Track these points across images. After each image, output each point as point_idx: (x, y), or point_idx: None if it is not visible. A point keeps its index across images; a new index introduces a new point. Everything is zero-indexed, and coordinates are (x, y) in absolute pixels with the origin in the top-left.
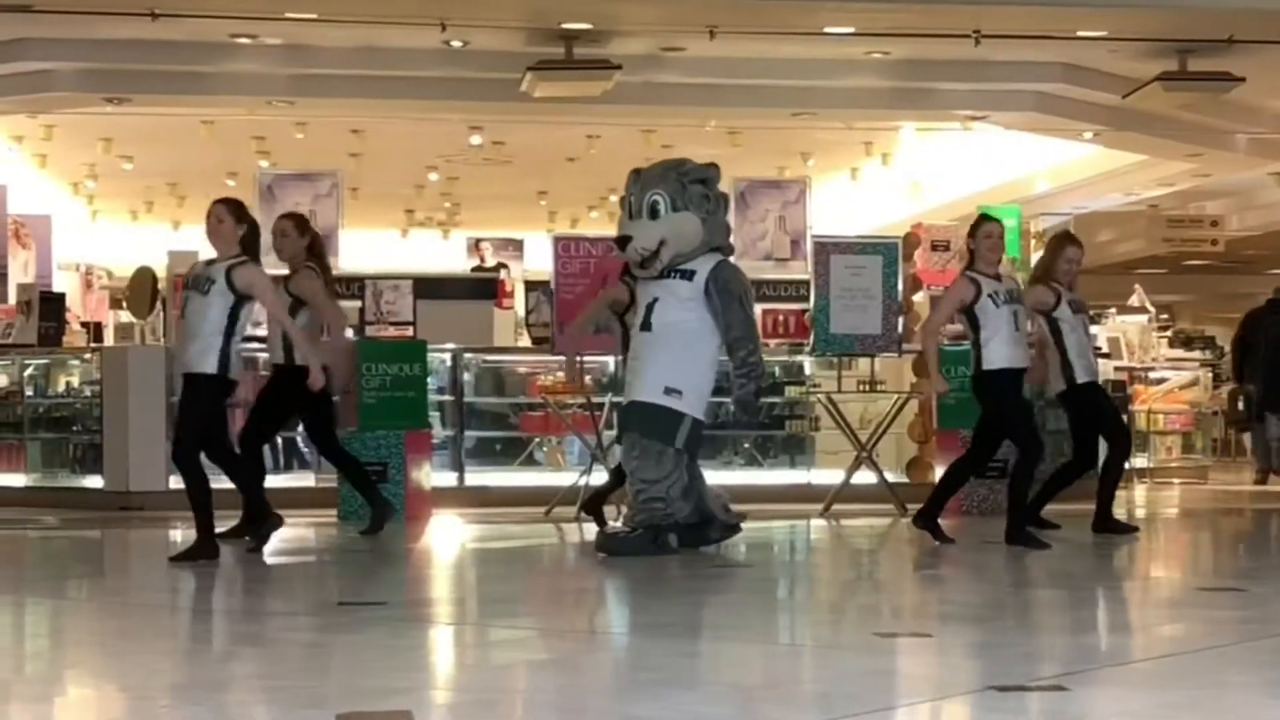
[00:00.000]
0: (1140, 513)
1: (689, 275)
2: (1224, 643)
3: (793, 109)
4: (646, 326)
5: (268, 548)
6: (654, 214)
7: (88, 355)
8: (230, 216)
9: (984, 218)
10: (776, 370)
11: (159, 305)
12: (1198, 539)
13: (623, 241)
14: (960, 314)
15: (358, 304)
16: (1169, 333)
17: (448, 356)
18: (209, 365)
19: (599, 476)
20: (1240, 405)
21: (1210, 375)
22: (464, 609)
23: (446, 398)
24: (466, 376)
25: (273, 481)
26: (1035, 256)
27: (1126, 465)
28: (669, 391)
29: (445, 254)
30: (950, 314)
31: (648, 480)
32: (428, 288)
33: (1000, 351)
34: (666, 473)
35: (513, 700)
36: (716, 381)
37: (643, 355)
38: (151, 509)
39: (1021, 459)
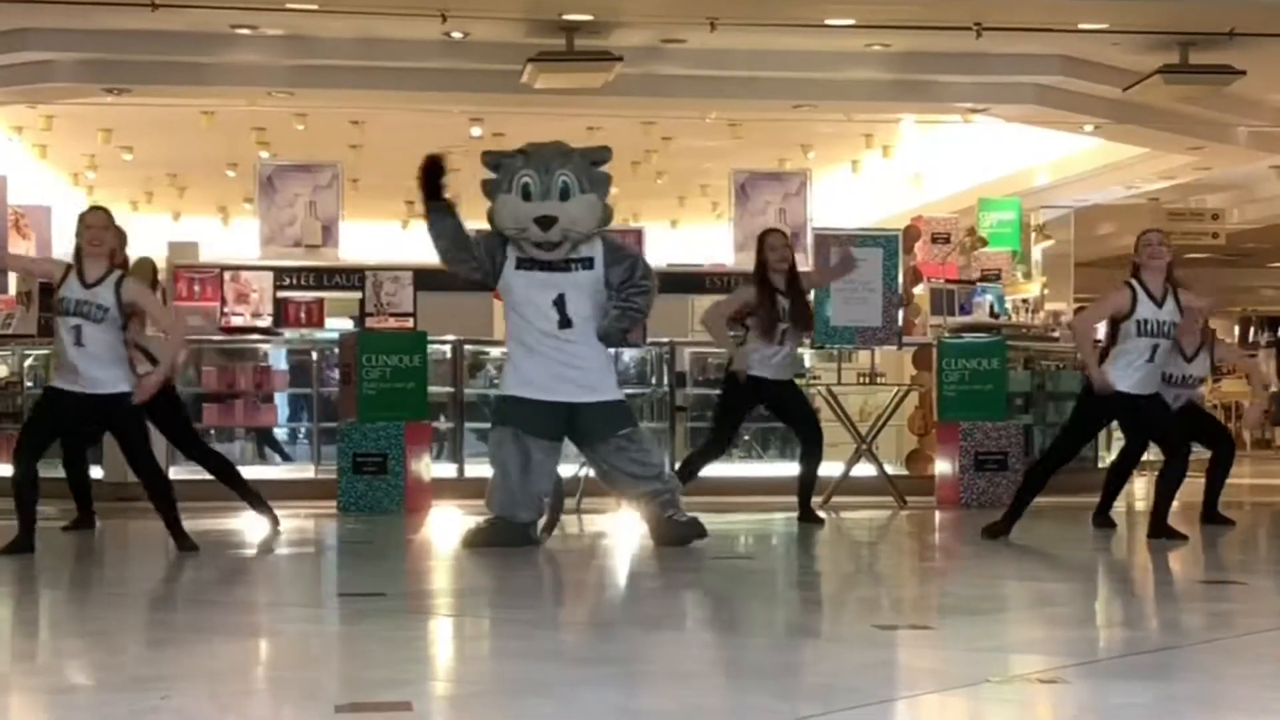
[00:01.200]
0: (1141, 505)
1: (589, 264)
2: (1225, 635)
3: (793, 101)
4: (567, 323)
5: (268, 540)
6: (564, 196)
7: None
8: (110, 229)
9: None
10: None
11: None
12: (1193, 533)
13: (547, 222)
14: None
15: (358, 295)
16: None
17: (448, 348)
18: (125, 385)
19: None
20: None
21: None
22: (463, 600)
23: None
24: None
25: (271, 473)
26: (1036, 249)
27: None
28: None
29: None
30: (1102, 317)
31: (658, 462)
32: (428, 279)
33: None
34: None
35: (511, 691)
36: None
37: (584, 355)
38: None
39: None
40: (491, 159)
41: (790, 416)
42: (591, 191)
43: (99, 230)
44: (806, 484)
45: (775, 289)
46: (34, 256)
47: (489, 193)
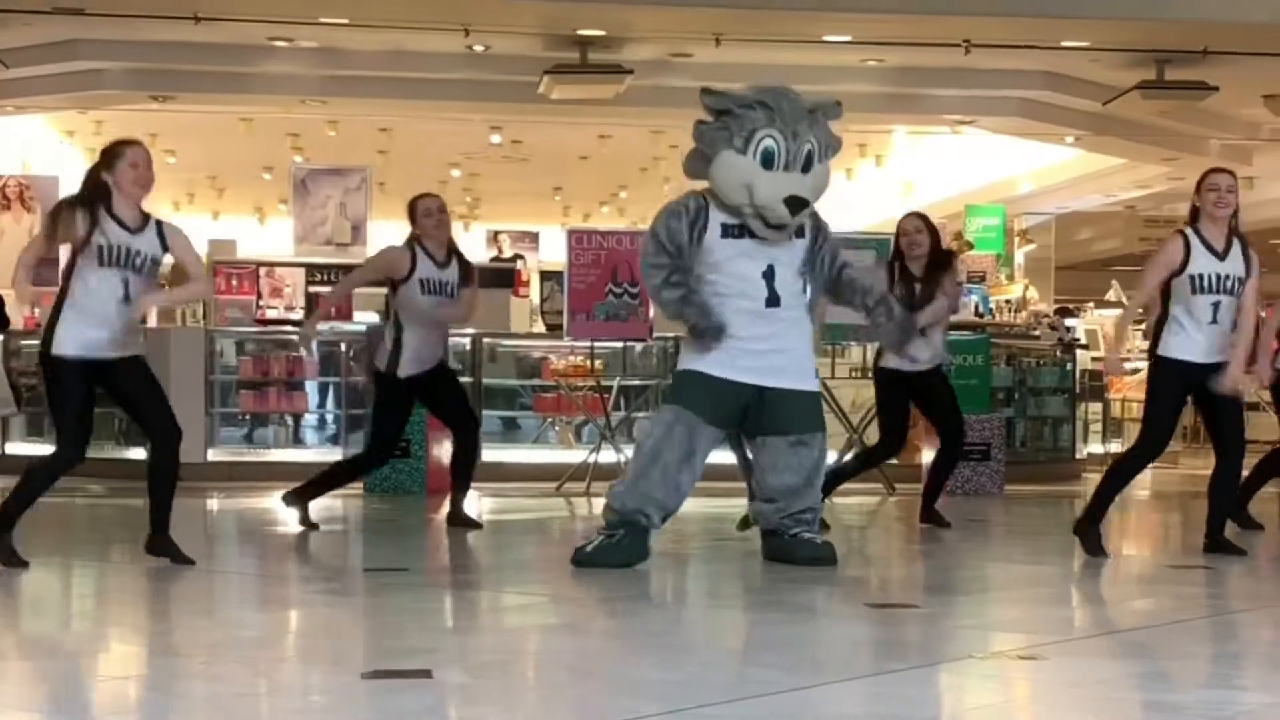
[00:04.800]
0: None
1: (802, 232)
2: (1191, 617)
3: None
4: (775, 300)
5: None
6: (807, 167)
7: None
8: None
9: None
10: None
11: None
12: (1168, 519)
13: (797, 204)
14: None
15: (384, 290)
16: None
17: (468, 341)
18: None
19: (607, 455)
20: None
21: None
22: (480, 576)
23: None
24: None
25: (303, 456)
26: (1019, 252)
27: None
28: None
29: (466, 245)
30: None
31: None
32: None
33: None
34: None
35: (525, 661)
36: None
37: (789, 334)
38: (190, 479)
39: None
40: (719, 102)
41: (935, 407)
42: (828, 159)
43: (149, 168)
44: (938, 481)
45: (912, 276)
46: (35, 245)
47: (709, 142)
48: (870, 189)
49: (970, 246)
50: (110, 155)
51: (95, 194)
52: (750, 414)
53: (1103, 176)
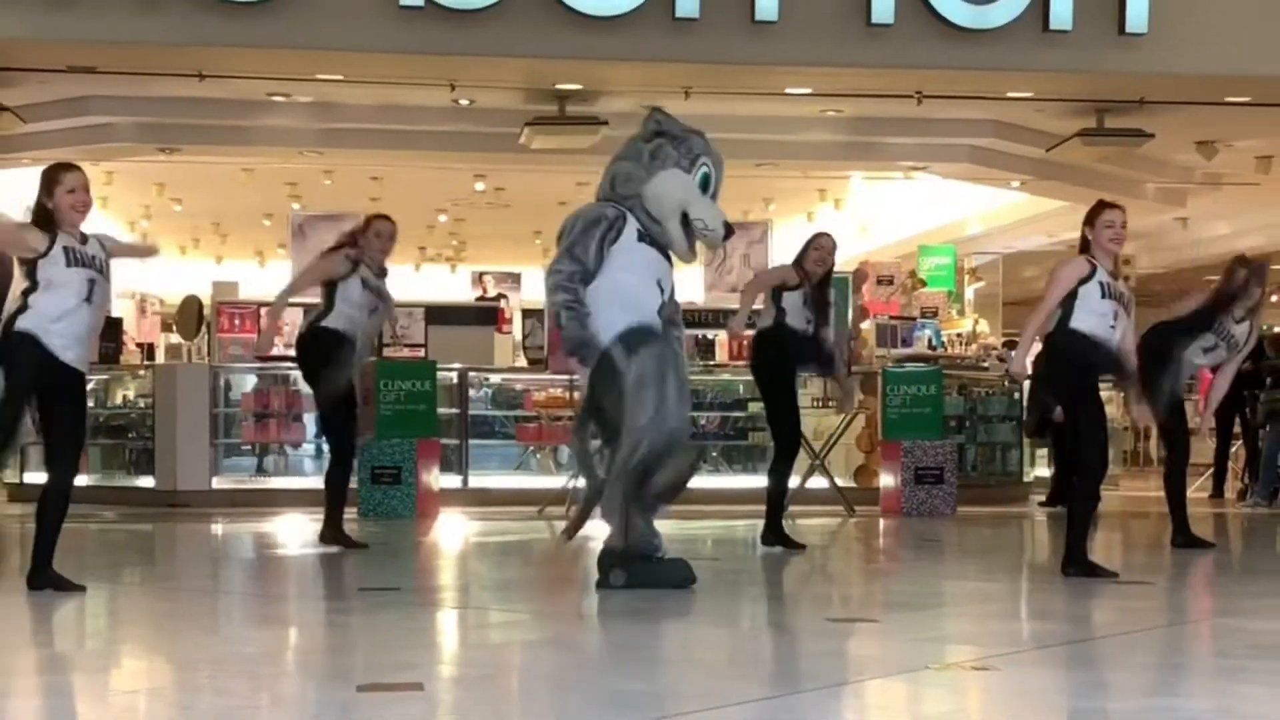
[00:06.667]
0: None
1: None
2: (1135, 629)
3: (756, 160)
4: (661, 310)
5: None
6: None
7: (142, 371)
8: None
9: (1102, 204)
10: (741, 388)
11: (204, 329)
12: (1110, 539)
13: (729, 230)
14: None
15: None
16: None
17: (455, 374)
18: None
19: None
20: None
21: (1121, 395)
22: (468, 594)
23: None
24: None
25: (301, 483)
26: (969, 289)
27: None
28: None
29: (453, 285)
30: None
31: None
32: (437, 315)
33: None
34: None
35: (511, 675)
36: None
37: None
38: (196, 506)
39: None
40: (668, 124)
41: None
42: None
43: (86, 191)
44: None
45: (808, 277)
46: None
47: (660, 156)
48: (830, 230)
49: (923, 284)
50: (48, 180)
51: (45, 218)
52: None
53: (1046, 218)
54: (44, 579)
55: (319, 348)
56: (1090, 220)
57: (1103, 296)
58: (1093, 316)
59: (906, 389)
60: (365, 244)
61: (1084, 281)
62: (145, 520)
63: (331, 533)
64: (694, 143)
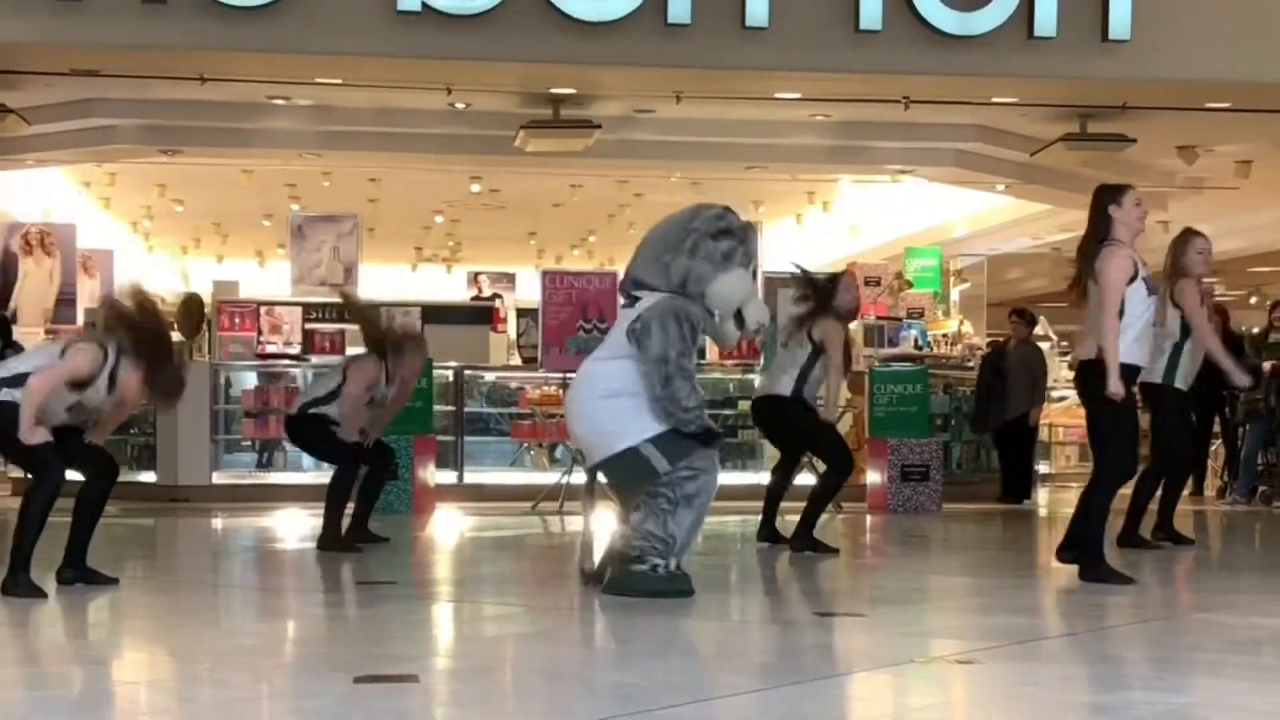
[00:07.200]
0: (1043, 513)
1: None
2: (1114, 624)
3: (746, 163)
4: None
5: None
6: None
7: None
8: None
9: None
10: (731, 386)
11: (204, 327)
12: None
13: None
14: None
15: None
16: (1069, 358)
17: (451, 373)
18: None
19: (578, 476)
20: None
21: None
22: (463, 588)
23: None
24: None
25: (300, 479)
26: (954, 291)
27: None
28: None
29: (449, 285)
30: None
31: None
32: (434, 314)
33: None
34: None
35: (504, 667)
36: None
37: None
38: (197, 500)
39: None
40: (731, 221)
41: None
42: None
43: None
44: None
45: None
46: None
47: (738, 256)
48: (818, 233)
49: (910, 285)
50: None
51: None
52: None
53: (1030, 221)
54: (76, 574)
55: (308, 429)
56: (1115, 199)
57: (1149, 294)
58: (1138, 323)
59: (893, 388)
60: (398, 362)
61: (1130, 280)
62: (147, 514)
63: (358, 534)
64: (753, 244)
